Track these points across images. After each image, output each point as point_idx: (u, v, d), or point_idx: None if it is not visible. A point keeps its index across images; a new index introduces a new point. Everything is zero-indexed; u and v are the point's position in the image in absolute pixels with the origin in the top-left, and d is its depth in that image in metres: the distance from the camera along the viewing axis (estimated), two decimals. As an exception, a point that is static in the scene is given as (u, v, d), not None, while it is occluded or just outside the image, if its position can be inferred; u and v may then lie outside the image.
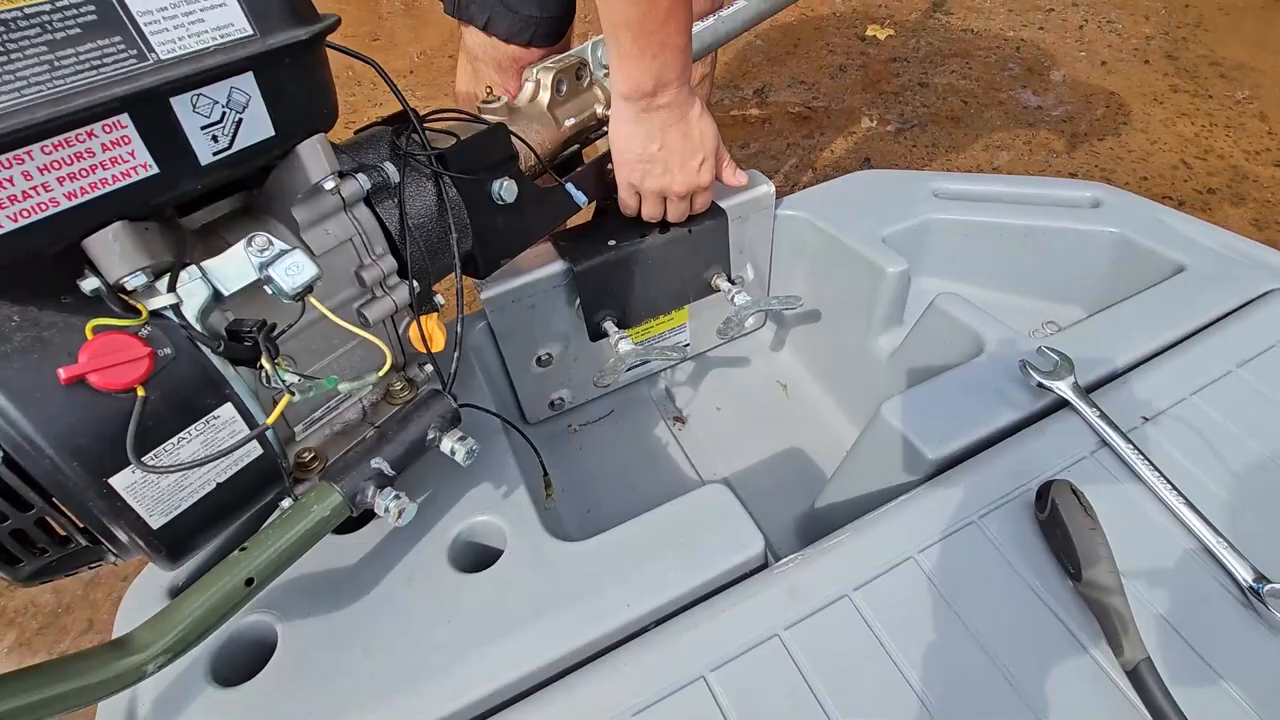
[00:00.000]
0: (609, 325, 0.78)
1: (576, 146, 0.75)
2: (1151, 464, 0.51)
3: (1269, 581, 0.45)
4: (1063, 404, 0.56)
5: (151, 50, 0.30)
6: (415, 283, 0.50)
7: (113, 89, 0.28)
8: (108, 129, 0.29)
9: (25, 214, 0.28)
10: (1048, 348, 0.59)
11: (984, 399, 0.58)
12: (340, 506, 0.44)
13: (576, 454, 0.89)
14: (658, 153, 0.66)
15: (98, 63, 0.28)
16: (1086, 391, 0.57)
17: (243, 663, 0.48)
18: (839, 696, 0.43)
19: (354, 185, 0.44)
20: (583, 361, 0.84)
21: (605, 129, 0.75)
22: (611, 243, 0.74)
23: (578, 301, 0.77)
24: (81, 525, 0.35)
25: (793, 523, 0.77)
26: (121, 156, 0.30)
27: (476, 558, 0.54)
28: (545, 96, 0.66)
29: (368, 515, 0.55)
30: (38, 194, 0.28)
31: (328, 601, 0.50)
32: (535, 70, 0.66)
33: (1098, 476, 0.51)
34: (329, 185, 0.40)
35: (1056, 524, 0.46)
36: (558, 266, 0.74)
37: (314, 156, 0.39)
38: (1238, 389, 0.56)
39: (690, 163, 0.68)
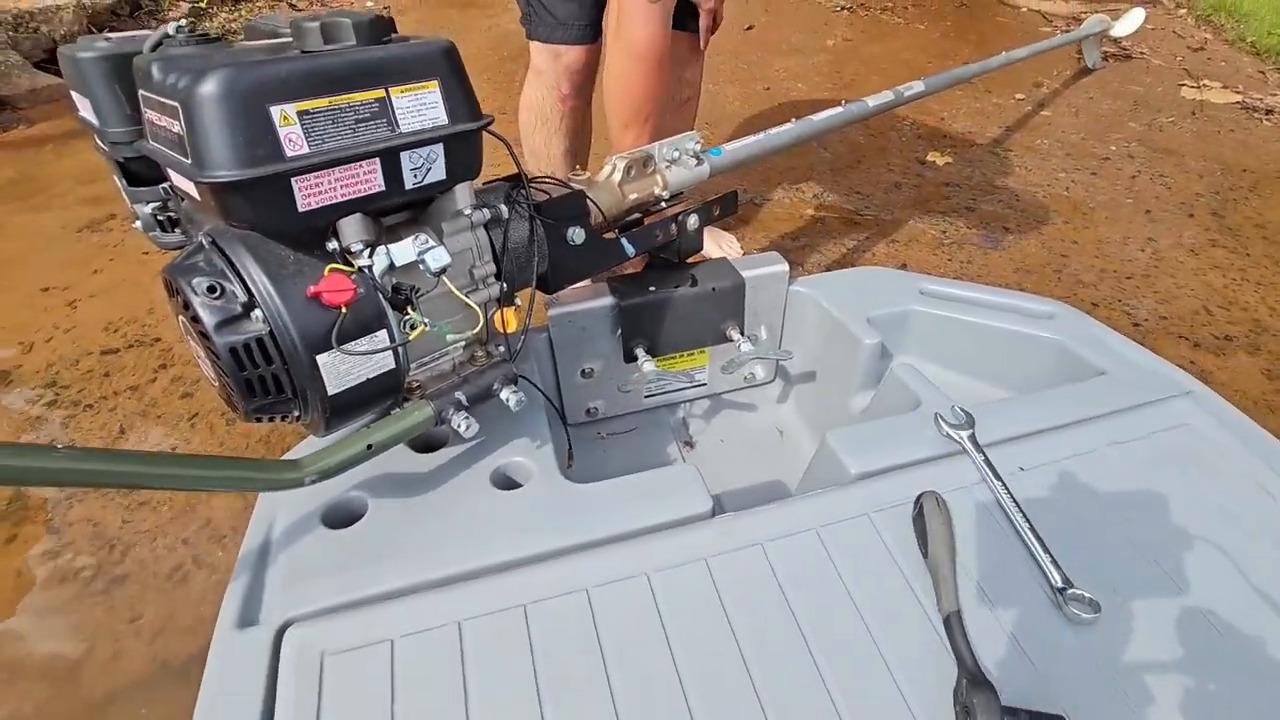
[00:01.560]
0: (640, 351, 1.00)
1: (639, 215, 0.99)
2: (1012, 497, 0.67)
3: (1072, 587, 0.60)
4: (962, 450, 0.73)
5: (397, 127, 0.55)
6: (504, 284, 0.74)
7: (376, 145, 0.54)
8: (367, 164, 0.55)
9: (322, 200, 0.53)
10: (958, 407, 0.76)
11: (903, 438, 0.76)
12: (430, 417, 0.67)
13: (600, 456, 1.10)
14: None
15: (372, 131, 0.54)
16: (985, 446, 0.74)
17: (342, 519, 0.70)
18: (739, 608, 0.60)
19: (480, 215, 0.69)
20: (617, 381, 1.06)
21: (662, 205, 1.00)
22: (652, 289, 0.98)
23: (619, 330, 0.99)
24: (293, 383, 0.59)
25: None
26: (369, 178, 0.55)
27: (508, 483, 0.75)
28: (617, 177, 0.91)
29: (438, 443, 0.78)
30: (331, 191, 0.53)
31: (403, 492, 0.72)
32: (615, 158, 0.92)
33: (969, 501, 0.68)
34: (467, 213, 0.65)
35: (920, 518, 0.64)
36: (608, 300, 0.97)
37: (464, 194, 0.64)
38: (1100, 461, 0.72)
39: None
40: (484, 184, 0.79)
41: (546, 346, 1.00)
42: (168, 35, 0.58)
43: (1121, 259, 1.86)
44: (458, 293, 0.65)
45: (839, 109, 1.33)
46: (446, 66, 0.58)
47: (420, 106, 0.56)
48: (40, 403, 1.34)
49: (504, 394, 0.72)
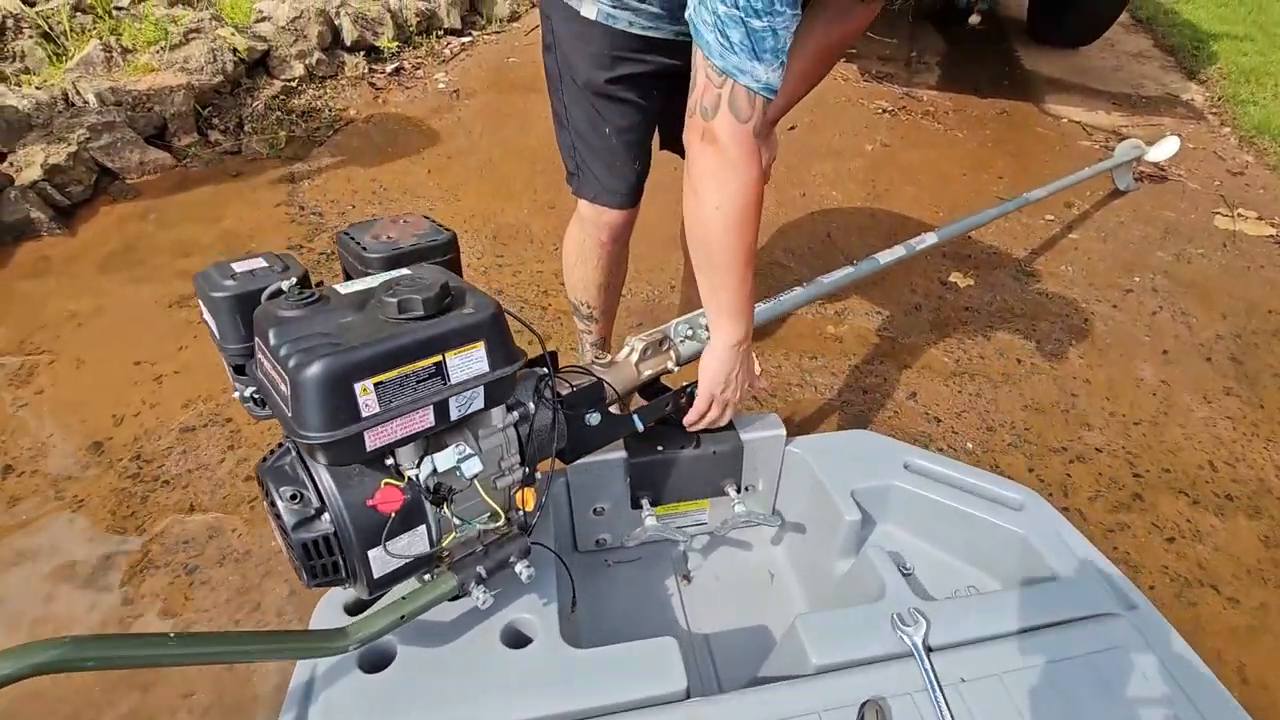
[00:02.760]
0: (645, 502, 1.12)
1: (655, 380, 1.13)
2: (949, 708, 0.77)
3: (986, 807, 0.69)
4: (912, 653, 0.83)
5: (449, 380, 0.70)
6: (527, 469, 0.88)
7: (431, 398, 0.69)
8: (422, 411, 0.69)
9: (385, 440, 0.68)
10: (915, 608, 0.86)
11: (862, 633, 0.86)
12: (454, 588, 0.81)
13: (607, 582, 1.22)
14: (735, 376, 1.06)
15: (429, 388, 0.69)
16: (934, 649, 0.83)
17: (376, 663, 0.83)
18: (695, 789, 0.71)
19: (510, 418, 0.83)
20: (624, 520, 1.19)
21: (671, 372, 1.13)
22: (659, 448, 1.11)
23: (628, 480, 1.12)
24: (348, 566, 0.73)
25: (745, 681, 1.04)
26: (423, 419, 0.70)
27: (516, 639, 0.87)
28: (635, 357, 1.05)
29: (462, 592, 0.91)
30: (392, 433, 0.68)
31: (427, 641, 0.85)
32: (633, 339, 1.06)
33: (911, 707, 0.78)
34: (500, 425, 0.80)
35: (861, 725, 0.74)
36: (620, 455, 1.10)
37: (498, 414, 0.78)
38: (1036, 678, 0.81)
39: (746, 383, 1.08)
40: (519, 369, 0.93)
41: (564, 487, 1.14)
42: (281, 290, 0.74)
43: (1132, 402, 1.92)
44: (486, 496, 0.79)
45: (849, 269, 1.45)
46: (492, 329, 0.72)
47: (468, 363, 0.71)
48: (125, 475, 1.53)
49: (518, 567, 0.85)
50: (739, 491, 1.14)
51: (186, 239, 2.29)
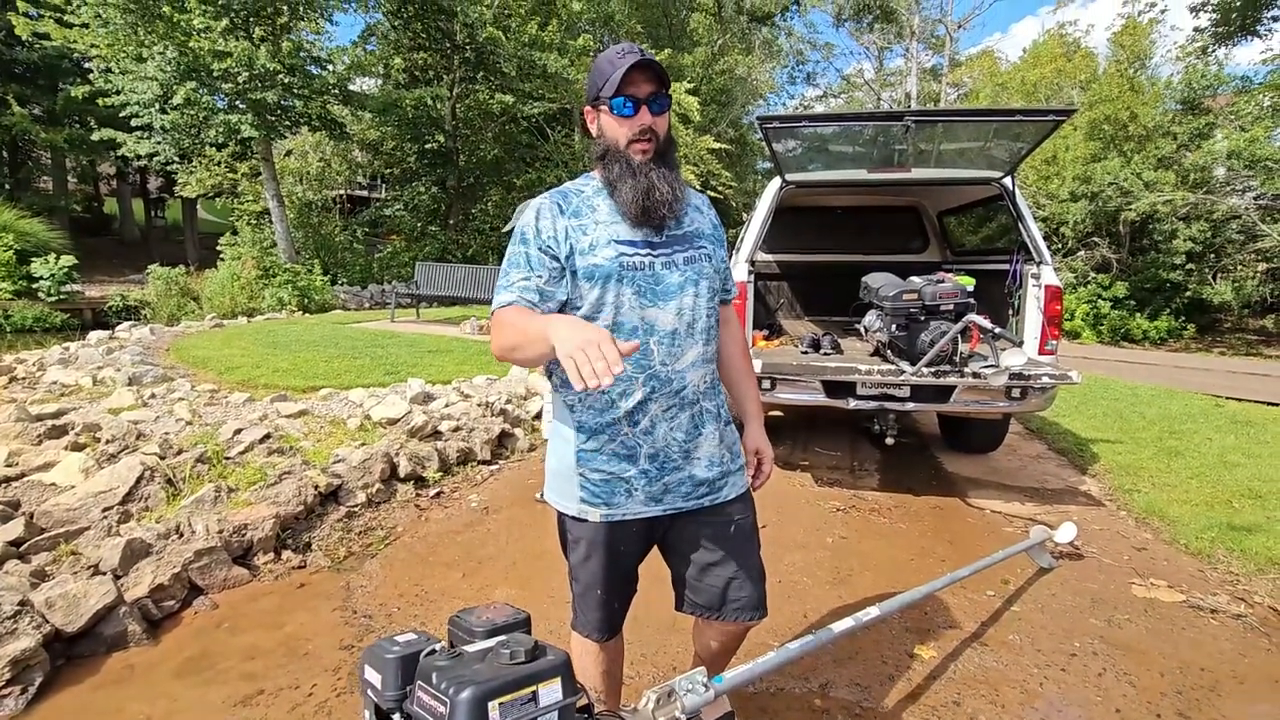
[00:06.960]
0: (664, 846, 1.35)
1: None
2: None
3: None
4: None
5: (539, 704, 1.12)
6: (575, 790, 1.19)
7: (529, 716, 1.10)
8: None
9: (498, 748, 1.06)
10: None
11: None
12: None
13: None
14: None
15: (528, 708, 1.10)
16: None
17: None
18: None
19: (568, 745, 1.20)
20: None
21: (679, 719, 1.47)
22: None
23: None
24: None
25: None
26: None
27: None
28: (651, 705, 1.43)
29: None
30: (503, 743, 1.07)
31: None
32: (648, 692, 1.45)
33: None
34: (563, 747, 1.17)
35: None
36: (642, 799, 1.37)
37: (564, 736, 1.17)
38: None
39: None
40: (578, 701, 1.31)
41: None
42: (435, 650, 1.20)
43: (1098, 760, 2.10)
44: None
45: (811, 637, 1.88)
46: (565, 669, 1.17)
47: (551, 692, 1.14)
48: None
49: None
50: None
51: (252, 645, 2.66)
